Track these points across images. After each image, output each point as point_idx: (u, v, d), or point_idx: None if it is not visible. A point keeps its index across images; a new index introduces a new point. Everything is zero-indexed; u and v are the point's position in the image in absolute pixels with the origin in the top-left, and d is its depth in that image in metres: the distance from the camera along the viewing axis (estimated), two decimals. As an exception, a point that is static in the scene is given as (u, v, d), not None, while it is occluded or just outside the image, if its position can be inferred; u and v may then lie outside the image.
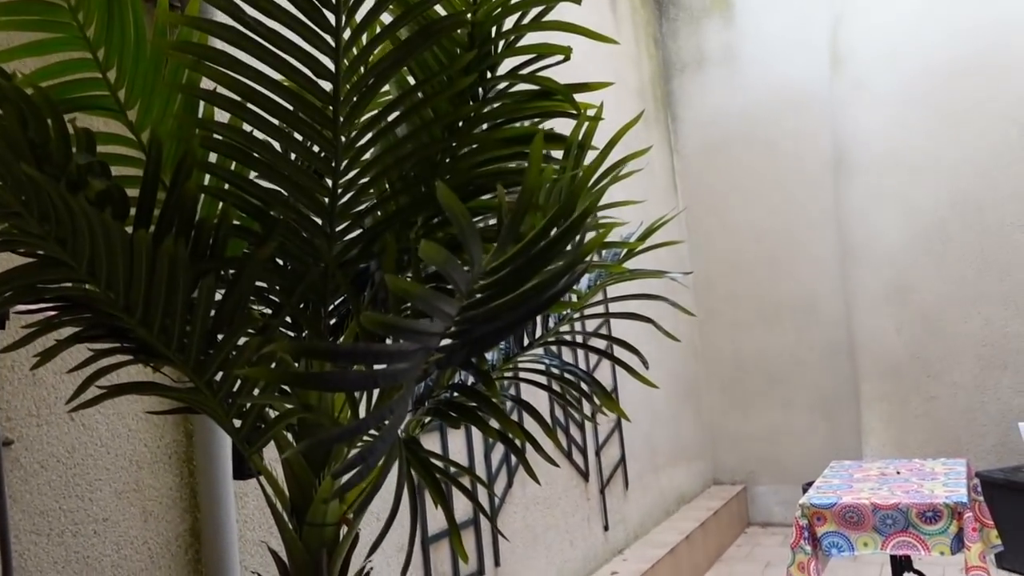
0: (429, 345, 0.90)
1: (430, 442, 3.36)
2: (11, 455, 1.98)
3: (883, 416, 6.01)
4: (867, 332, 6.11)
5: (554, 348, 4.36)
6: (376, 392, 1.36)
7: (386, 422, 0.93)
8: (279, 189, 1.25)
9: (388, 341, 1.16)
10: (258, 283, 1.33)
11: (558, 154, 1.43)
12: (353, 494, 1.38)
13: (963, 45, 5.78)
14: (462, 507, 3.54)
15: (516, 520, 3.95)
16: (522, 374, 1.67)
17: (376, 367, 0.92)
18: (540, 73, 1.32)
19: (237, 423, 1.33)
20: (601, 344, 5.23)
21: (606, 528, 4.86)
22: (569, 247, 1.07)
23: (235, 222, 1.36)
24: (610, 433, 5.09)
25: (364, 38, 1.25)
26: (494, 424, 1.51)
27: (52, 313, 1.27)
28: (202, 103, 1.21)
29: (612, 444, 5.12)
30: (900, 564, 3.85)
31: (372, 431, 0.97)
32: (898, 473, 4.24)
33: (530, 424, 4.04)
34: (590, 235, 0.96)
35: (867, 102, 6.12)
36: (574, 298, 1.62)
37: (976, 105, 5.72)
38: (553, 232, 0.85)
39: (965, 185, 5.77)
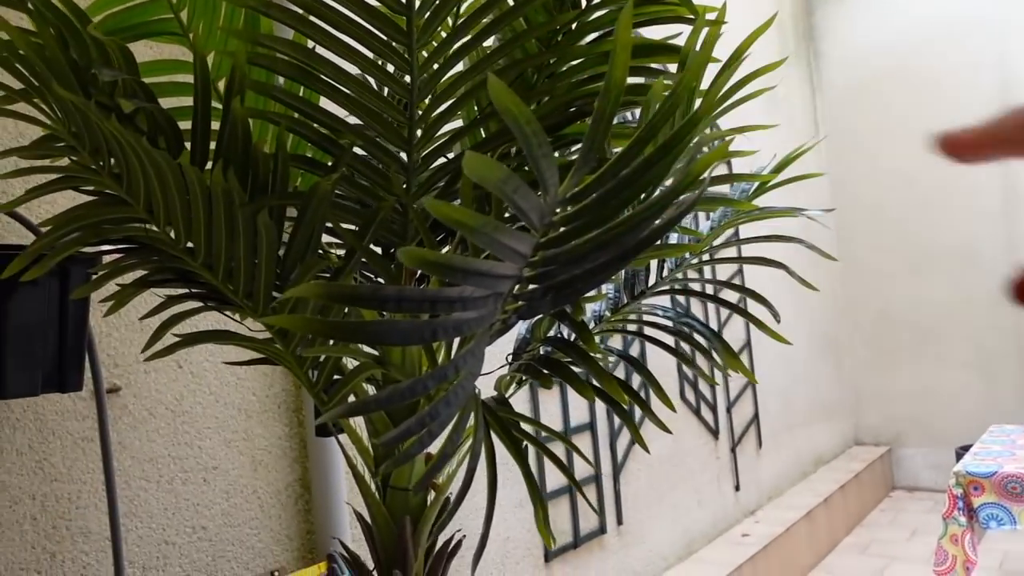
0: (498, 290, 0.74)
1: (550, 400, 3.23)
2: (119, 402, 1.98)
3: (1052, 376, 5.46)
4: (1035, 284, 5.53)
5: (680, 299, 4.13)
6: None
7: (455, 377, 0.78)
8: (349, 115, 1.11)
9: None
10: (336, 224, 1.21)
11: (675, 69, 1.23)
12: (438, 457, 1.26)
13: None
14: (582, 463, 3.41)
15: (640, 478, 3.79)
16: (632, 327, 1.49)
17: (443, 317, 0.77)
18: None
19: (315, 376, 1.22)
20: (731, 295, 4.94)
21: (737, 488, 4.63)
22: (674, 172, 0.88)
23: (305, 154, 1.24)
24: (742, 390, 4.83)
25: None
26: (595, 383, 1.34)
27: (118, 256, 1.18)
28: (261, 18, 1.07)
29: (745, 401, 4.85)
30: (1070, 541, 3.46)
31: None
32: (1070, 440, 3.81)
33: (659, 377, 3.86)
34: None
35: (1042, 26, 5.46)
36: (694, 240, 1.42)
37: None
38: (648, 150, 0.67)
39: None
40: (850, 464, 5.84)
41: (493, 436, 1.05)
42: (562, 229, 0.74)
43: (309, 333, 0.74)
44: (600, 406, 3.56)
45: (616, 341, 3.53)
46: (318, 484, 2.31)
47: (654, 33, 3.43)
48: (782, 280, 5.43)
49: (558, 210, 0.70)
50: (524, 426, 1.76)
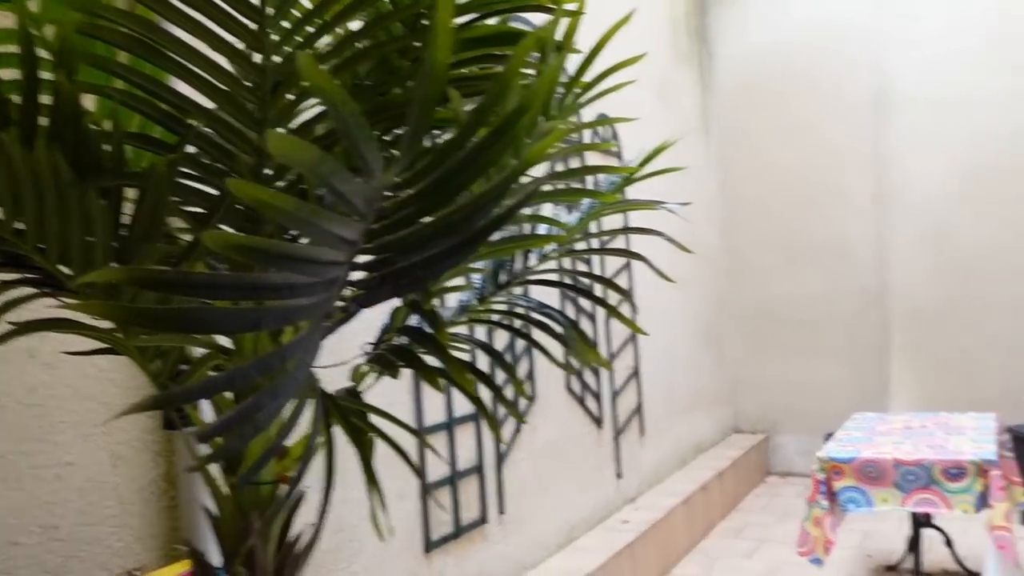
0: (326, 277, 0.72)
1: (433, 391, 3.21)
2: (-39, 394, 1.85)
3: (912, 367, 5.79)
4: (899, 279, 5.85)
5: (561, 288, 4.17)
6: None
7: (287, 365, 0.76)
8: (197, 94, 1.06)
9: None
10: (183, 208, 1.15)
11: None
12: (296, 450, 1.22)
13: (1016, -27, 5.39)
14: (465, 453, 3.41)
15: (523, 467, 3.82)
16: (495, 317, 1.50)
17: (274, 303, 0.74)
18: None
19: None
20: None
21: (619, 476, 4.73)
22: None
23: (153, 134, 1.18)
24: (627, 379, 4.93)
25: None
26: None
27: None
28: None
29: (629, 390, 4.95)
30: (920, 521, 3.68)
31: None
32: (923, 427, 4.04)
33: (542, 373, 3.89)
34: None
35: (913, 36, 5.76)
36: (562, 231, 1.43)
37: (1027, 38, 5.35)
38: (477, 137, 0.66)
39: (1012, 125, 5.43)
40: (728, 451, 6.05)
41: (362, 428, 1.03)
42: (396, 216, 0.72)
43: (111, 320, 0.70)
44: (486, 396, 3.57)
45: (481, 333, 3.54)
46: (185, 479, 2.23)
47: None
48: (663, 268, 5.56)
49: (389, 195, 0.69)
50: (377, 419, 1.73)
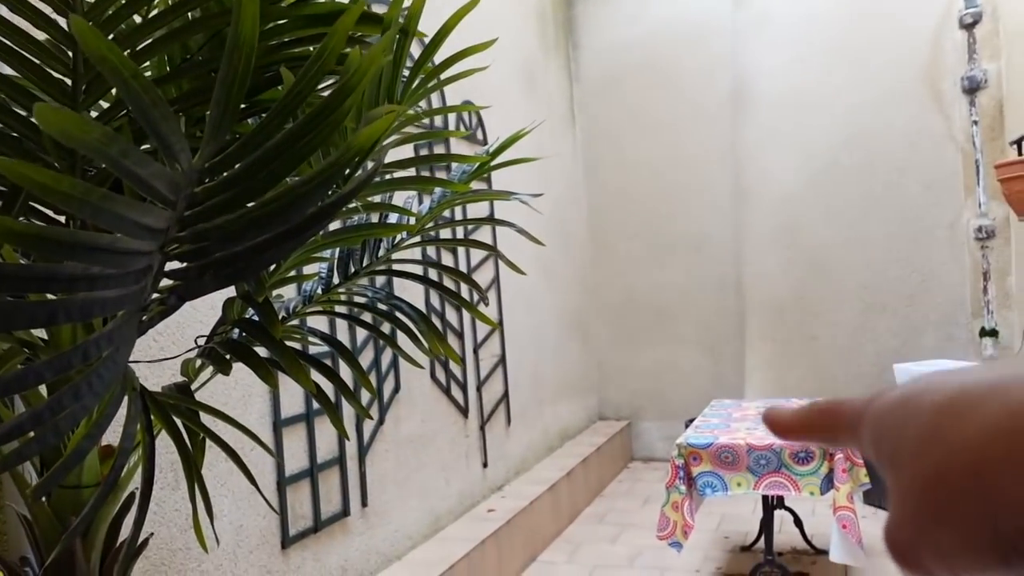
0: (133, 267, 0.65)
1: (289, 383, 3.11)
2: None
3: (766, 355, 6.06)
4: (755, 271, 6.11)
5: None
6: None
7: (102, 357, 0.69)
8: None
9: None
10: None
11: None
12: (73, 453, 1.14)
13: (864, -18, 5.70)
14: (326, 446, 3.32)
15: (387, 459, 3.76)
16: (339, 308, 1.45)
17: (76, 296, 0.67)
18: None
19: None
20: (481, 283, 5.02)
21: (485, 465, 4.74)
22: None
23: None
24: (493, 368, 4.94)
25: None
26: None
27: None
28: None
29: (495, 379, 4.97)
30: (772, 503, 3.85)
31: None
32: (775, 413, 4.23)
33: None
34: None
35: (768, 38, 6.00)
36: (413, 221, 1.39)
37: (875, 46, 5.67)
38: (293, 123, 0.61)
39: (859, 127, 5.75)
40: (593, 438, 6.17)
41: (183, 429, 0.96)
42: (210, 203, 0.67)
43: None
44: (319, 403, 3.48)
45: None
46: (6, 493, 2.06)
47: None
48: (536, 263, 5.61)
49: (198, 182, 0.63)
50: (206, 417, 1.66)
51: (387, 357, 3.79)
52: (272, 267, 1.16)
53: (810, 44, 5.84)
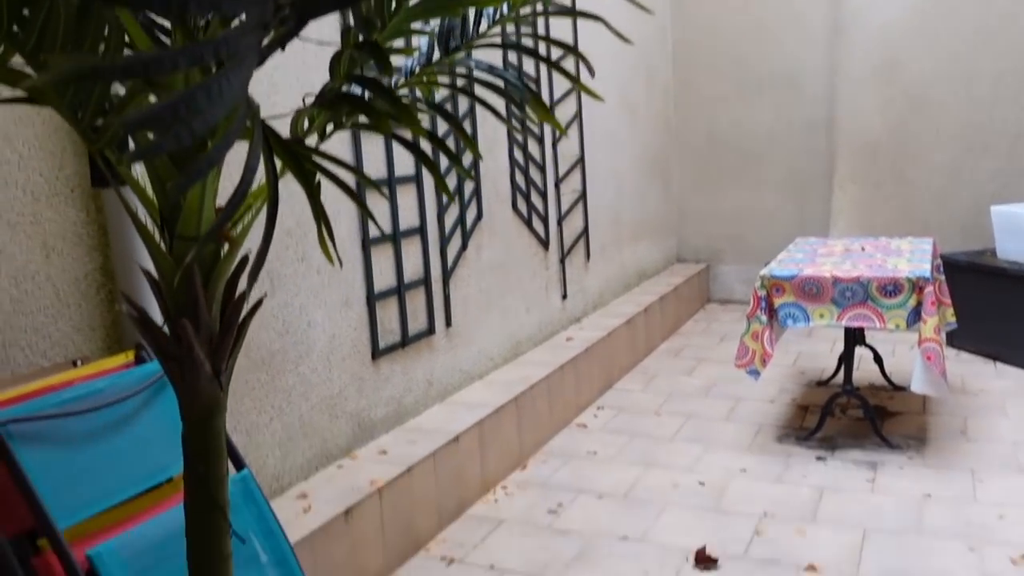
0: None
1: (377, 200, 3.15)
2: None
3: (854, 197, 5.87)
4: (849, 109, 5.83)
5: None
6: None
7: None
8: None
9: None
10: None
11: None
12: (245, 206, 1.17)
13: None
14: (412, 267, 3.40)
15: (470, 284, 3.84)
16: (444, 79, 1.42)
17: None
18: None
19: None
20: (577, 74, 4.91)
21: (564, 297, 4.80)
22: None
23: None
24: (574, 203, 4.91)
25: None
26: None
27: None
28: None
29: (575, 215, 4.95)
30: (853, 338, 3.82)
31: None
32: (862, 250, 4.14)
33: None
34: None
35: None
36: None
37: None
38: None
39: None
40: (671, 279, 6.17)
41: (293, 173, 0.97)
42: None
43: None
44: (430, 209, 3.52)
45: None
46: (122, 272, 2.17)
47: None
48: (619, 100, 5.46)
49: None
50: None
51: (469, 186, 3.79)
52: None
53: None
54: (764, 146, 6.39)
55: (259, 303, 1.21)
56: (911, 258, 3.83)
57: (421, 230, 3.45)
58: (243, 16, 0.77)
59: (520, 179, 4.28)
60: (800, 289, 3.56)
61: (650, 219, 6.26)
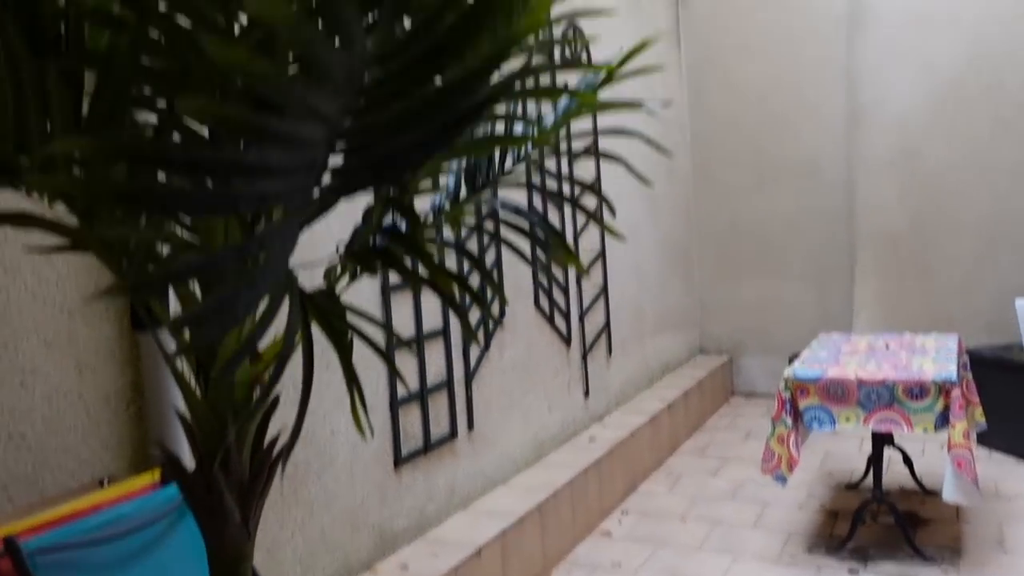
0: (305, 159, 0.67)
1: (403, 305, 3.18)
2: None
3: (876, 289, 5.86)
4: (868, 199, 5.87)
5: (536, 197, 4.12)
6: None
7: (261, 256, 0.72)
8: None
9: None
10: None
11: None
12: (269, 353, 1.20)
13: None
14: (435, 370, 3.41)
15: (492, 385, 3.84)
16: (471, 220, 1.46)
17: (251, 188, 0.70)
18: None
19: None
20: (589, 202, 4.98)
21: (586, 394, 4.78)
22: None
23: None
24: (595, 298, 4.94)
25: None
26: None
27: None
28: None
29: (597, 310, 4.97)
30: (881, 440, 3.77)
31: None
32: (887, 347, 4.11)
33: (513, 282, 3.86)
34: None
35: (888, -48, 5.66)
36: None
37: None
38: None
39: (986, 42, 5.40)
40: (694, 371, 6.13)
41: (316, 329, 1.00)
42: (377, 92, 0.68)
43: (74, 196, 0.66)
44: (454, 313, 3.55)
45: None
46: (151, 388, 2.20)
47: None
48: (639, 193, 5.53)
49: (371, 70, 0.64)
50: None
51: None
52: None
53: (935, -41, 5.49)
54: (785, 236, 6.42)
55: (290, 447, 1.22)
56: (936, 357, 3.80)
57: (444, 332, 3.47)
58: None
59: (542, 275, 4.32)
60: (825, 391, 3.53)
61: (672, 311, 6.26)
